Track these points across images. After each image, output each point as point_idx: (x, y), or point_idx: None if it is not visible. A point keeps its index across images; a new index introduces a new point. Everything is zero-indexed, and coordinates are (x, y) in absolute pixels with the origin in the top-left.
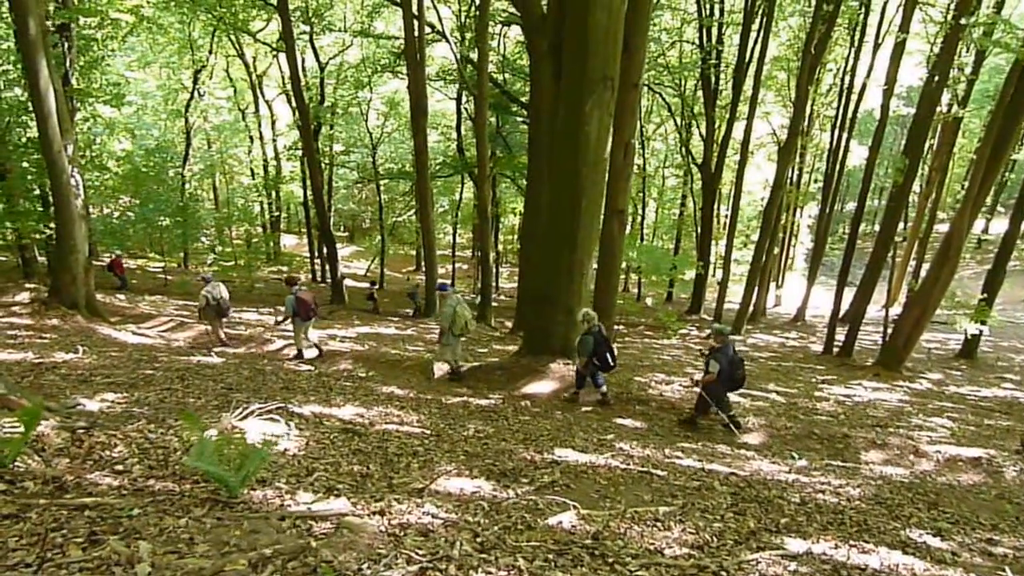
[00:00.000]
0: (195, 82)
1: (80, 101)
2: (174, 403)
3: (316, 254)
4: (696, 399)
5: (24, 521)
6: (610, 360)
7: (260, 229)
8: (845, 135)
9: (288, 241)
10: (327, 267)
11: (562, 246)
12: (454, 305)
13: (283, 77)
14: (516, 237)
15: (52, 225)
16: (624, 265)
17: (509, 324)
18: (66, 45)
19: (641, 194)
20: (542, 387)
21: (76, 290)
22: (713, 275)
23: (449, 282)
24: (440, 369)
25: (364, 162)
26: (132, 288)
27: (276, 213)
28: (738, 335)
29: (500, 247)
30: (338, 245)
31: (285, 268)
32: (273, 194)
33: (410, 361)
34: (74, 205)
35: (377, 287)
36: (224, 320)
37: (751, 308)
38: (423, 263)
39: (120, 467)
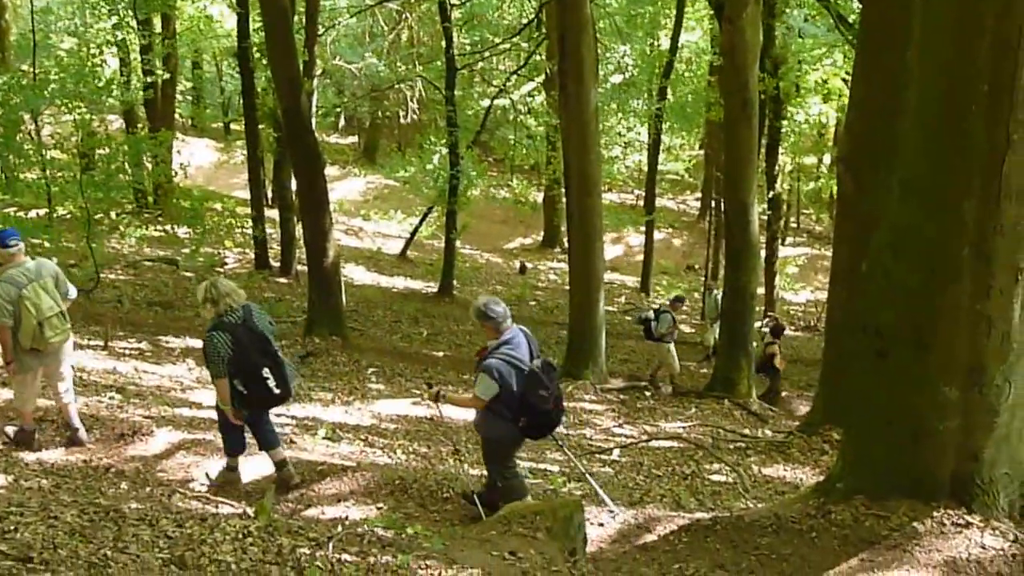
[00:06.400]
0: None
1: None
2: None
3: (271, 196)
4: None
5: None
6: (272, 386)
7: (121, 122)
8: None
9: (200, 156)
10: (297, 231)
11: (954, 209)
12: (22, 285)
13: None
14: (828, 173)
15: None
16: None
17: (799, 406)
18: None
19: None
20: None
21: None
22: None
23: (14, 231)
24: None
25: None
26: None
27: (164, 76)
28: None
29: (784, 193)
30: (330, 168)
31: (184, 231)
32: (157, 24)
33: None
34: None
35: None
36: None
37: None
38: (568, 235)
39: None
